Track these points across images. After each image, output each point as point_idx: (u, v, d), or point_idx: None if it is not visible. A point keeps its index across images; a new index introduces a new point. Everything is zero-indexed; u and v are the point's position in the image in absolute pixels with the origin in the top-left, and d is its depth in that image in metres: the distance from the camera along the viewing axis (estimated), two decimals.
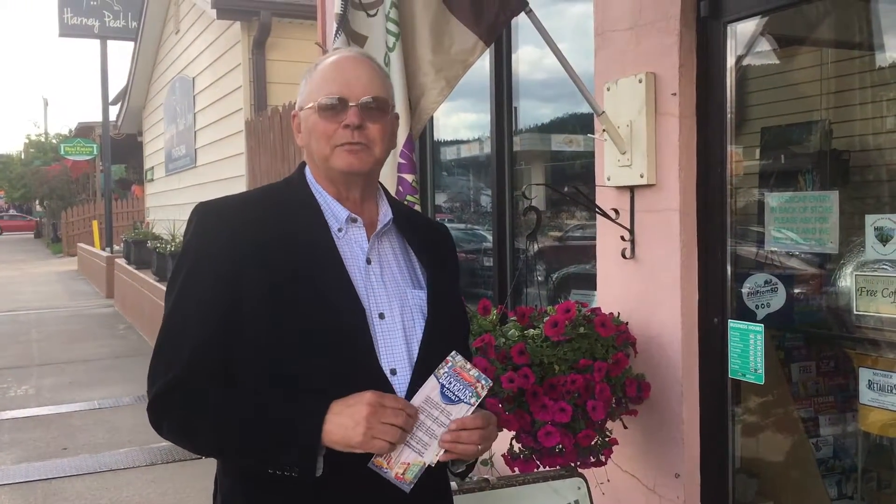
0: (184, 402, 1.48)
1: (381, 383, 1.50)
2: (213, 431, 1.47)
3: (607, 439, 2.84)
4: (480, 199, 5.80)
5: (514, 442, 2.80)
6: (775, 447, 3.11)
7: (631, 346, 3.00)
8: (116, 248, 15.71)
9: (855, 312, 2.45)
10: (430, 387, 1.51)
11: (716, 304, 2.88)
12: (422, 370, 1.53)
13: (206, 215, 1.57)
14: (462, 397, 1.50)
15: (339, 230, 1.59)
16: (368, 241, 1.61)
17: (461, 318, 1.78)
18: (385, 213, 1.66)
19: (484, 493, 2.36)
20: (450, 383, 1.51)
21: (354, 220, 1.61)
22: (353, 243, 1.60)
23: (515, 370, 2.69)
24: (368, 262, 1.59)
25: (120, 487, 5.14)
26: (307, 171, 1.67)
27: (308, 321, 1.48)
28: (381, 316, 1.55)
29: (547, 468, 2.71)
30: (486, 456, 2.82)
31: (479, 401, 1.52)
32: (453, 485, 2.45)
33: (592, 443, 2.78)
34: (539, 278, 3.50)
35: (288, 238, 1.53)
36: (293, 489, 1.47)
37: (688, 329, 2.93)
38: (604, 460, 2.83)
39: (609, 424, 2.91)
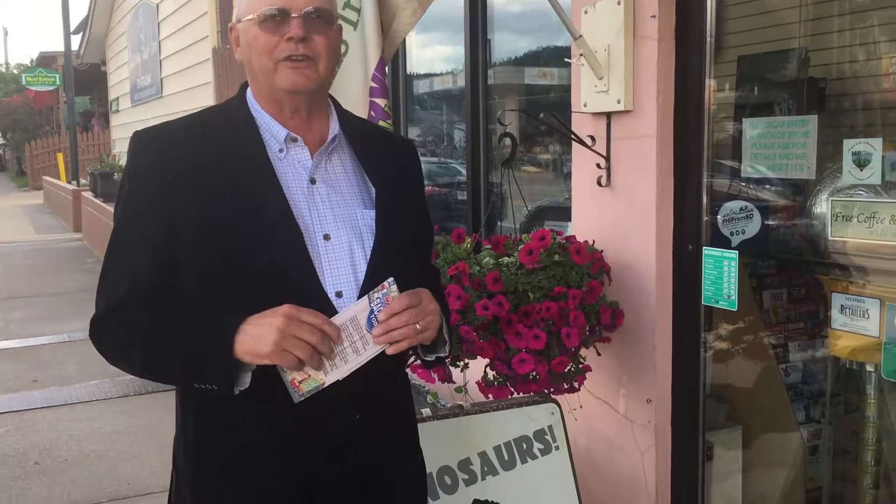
0: (118, 324, 1.47)
1: (325, 306, 1.46)
2: (142, 352, 1.45)
3: (581, 366, 2.85)
4: (454, 132, 5.74)
5: (488, 369, 2.81)
6: (745, 373, 3.15)
7: (605, 274, 2.99)
8: (83, 181, 15.42)
9: (829, 238, 2.45)
10: (360, 308, 1.44)
11: (691, 232, 2.87)
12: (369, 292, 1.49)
13: (140, 143, 1.53)
14: None
15: (280, 151, 1.53)
16: (313, 159, 1.55)
17: (421, 238, 1.71)
18: (332, 130, 1.59)
19: (458, 418, 2.37)
20: (379, 310, 1.44)
21: (295, 140, 1.54)
22: (295, 163, 1.54)
23: (490, 298, 2.68)
24: (313, 181, 1.53)
25: (92, 419, 5.13)
26: (248, 91, 1.60)
27: (245, 246, 1.44)
28: (327, 237, 1.51)
29: (521, 395, 2.72)
30: (460, 384, 2.83)
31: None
32: (427, 411, 2.46)
33: (566, 370, 2.79)
34: (513, 210, 3.48)
35: (223, 162, 1.48)
36: (241, 408, 1.46)
37: (662, 256, 2.93)
38: (577, 387, 2.84)
39: (583, 352, 2.92)
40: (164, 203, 1.44)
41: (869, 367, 2.58)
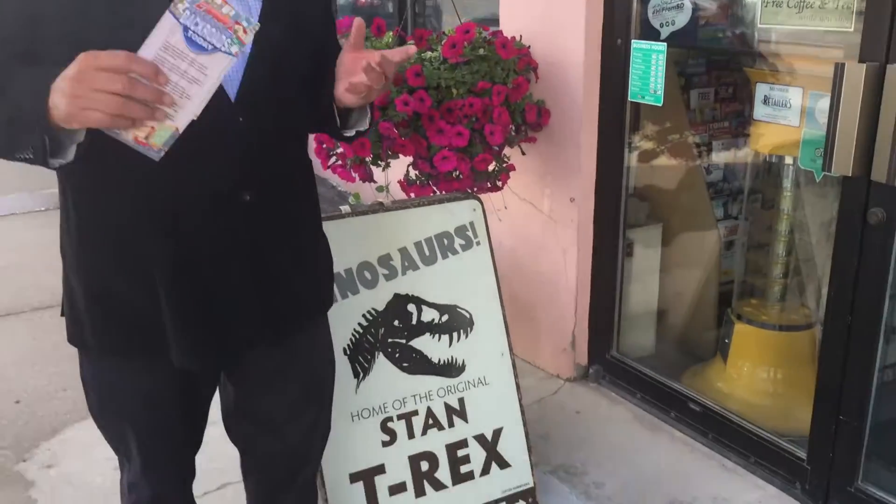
0: None
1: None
2: None
3: (505, 165, 2.81)
4: None
5: (410, 168, 2.75)
6: (668, 172, 3.16)
7: (532, 71, 2.90)
8: None
9: (759, 26, 2.38)
10: (167, 29, 1.13)
11: (620, 25, 2.77)
12: (251, 80, 1.34)
13: None
14: (217, 44, 1.15)
15: None
16: None
17: (318, 32, 1.53)
18: None
19: (377, 215, 2.32)
20: (195, 24, 1.14)
21: None
22: None
23: (411, 93, 2.57)
24: None
25: (12, 231, 5.01)
26: None
27: (118, 34, 1.23)
28: None
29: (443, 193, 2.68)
30: (382, 183, 2.77)
31: (242, 49, 1.17)
32: (346, 208, 2.40)
33: (490, 168, 2.75)
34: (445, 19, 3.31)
35: None
36: (119, 185, 1.33)
37: (591, 52, 2.83)
38: (500, 186, 2.82)
39: (507, 151, 2.88)
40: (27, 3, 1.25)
41: (787, 161, 2.60)
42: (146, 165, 1.20)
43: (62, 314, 1.48)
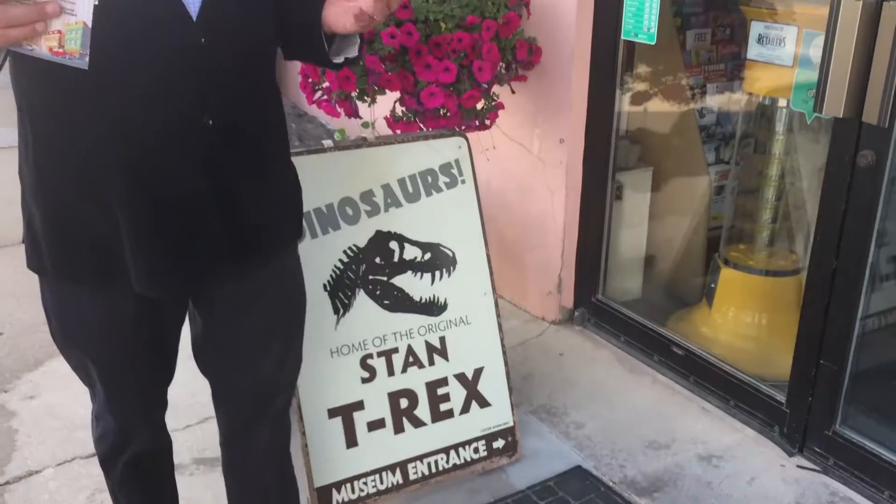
0: None
1: (172, 3, 1.26)
2: None
3: (493, 103, 2.76)
4: None
5: (397, 105, 2.70)
6: (660, 114, 3.11)
7: (524, 7, 2.82)
8: None
9: None
10: None
11: None
12: None
13: None
14: None
15: None
16: None
17: None
18: None
19: (361, 150, 2.28)
20: None
21: None
22: None
23: (398, 26, 2.51)
24: None
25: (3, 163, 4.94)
26: None
27: None
28: None
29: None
30: (368, 119, 2.72)
31: None
32: (329, 142, 2.36)
33: (478, 106, 2.69)
34: None
35: None
36: (76, 107, 1.29)
37: None
38: (489, 124, 2.77)
39: (497, 89, 2.82)
40: None
41: (781, 103, 2.55)
42: (104, 87, 1.15)
43: (23, 240, 1.45)
